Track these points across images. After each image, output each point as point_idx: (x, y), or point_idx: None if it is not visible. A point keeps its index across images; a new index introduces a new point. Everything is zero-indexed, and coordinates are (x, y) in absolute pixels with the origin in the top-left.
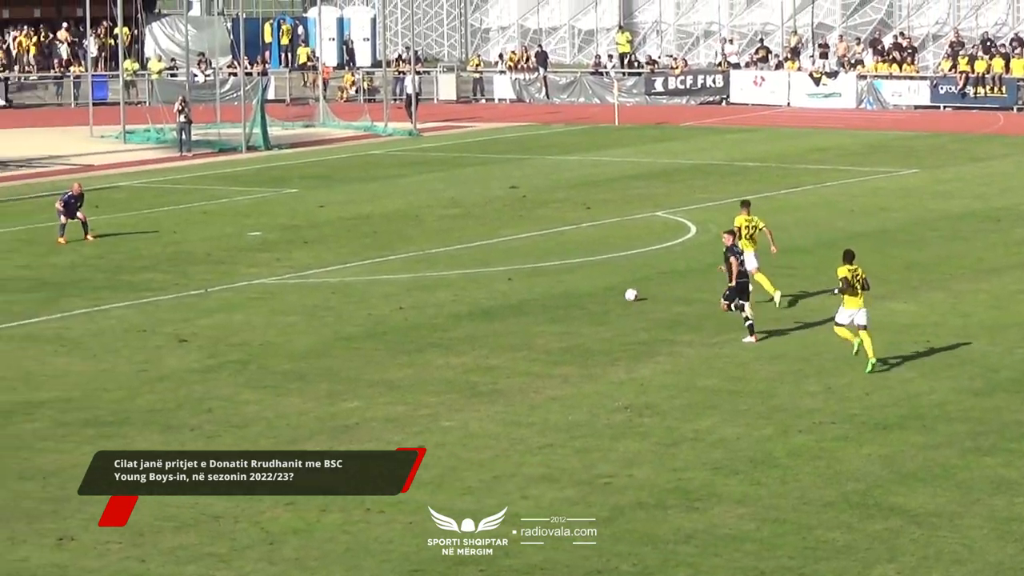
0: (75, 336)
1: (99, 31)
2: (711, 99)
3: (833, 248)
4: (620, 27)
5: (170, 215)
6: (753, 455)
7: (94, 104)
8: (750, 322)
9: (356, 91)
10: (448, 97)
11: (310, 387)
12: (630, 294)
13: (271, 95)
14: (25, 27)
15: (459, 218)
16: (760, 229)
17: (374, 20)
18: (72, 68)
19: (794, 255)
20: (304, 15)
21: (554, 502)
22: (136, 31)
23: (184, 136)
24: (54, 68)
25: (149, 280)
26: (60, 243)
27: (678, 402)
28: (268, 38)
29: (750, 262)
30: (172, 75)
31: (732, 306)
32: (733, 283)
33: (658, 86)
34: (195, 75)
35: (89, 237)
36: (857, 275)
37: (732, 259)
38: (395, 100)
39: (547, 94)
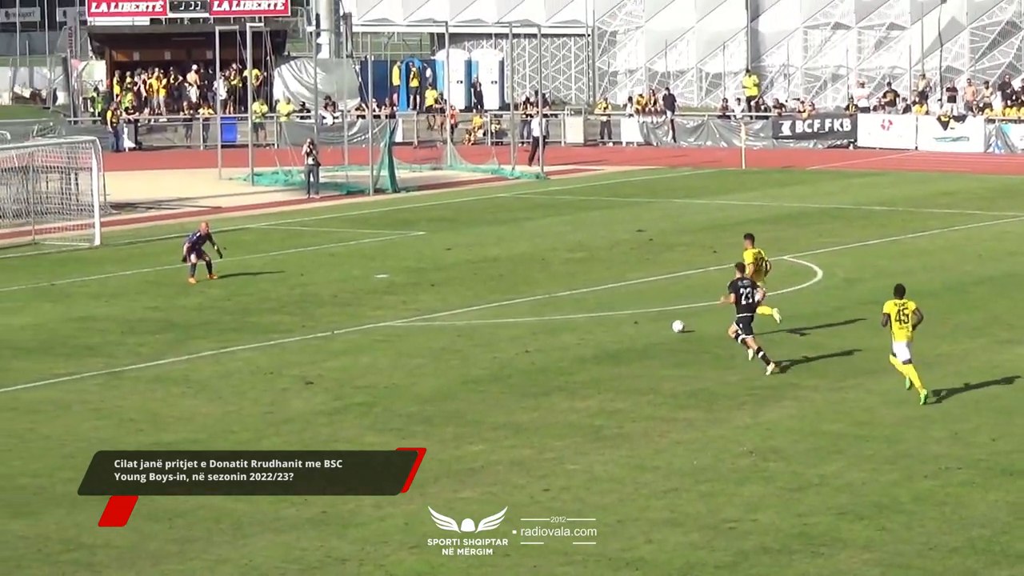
0: (202, 378)
1: (228, 74)
2: (838, 143)
3: (961, 293)
4: (748, 71)
5: (297, 257)
6: (878, 500)
7: (223, 146)
8: (762, 352)
9: (483, 134)
10: (575, 140)
11: (435, 430)
12: (677, 325)
13: (399, 138)
14: (155, 70)
15: (585, 261)
16: (765, 260)
17: (502, 63)
18: (201, 110)
19: (921, 299)
20: (432, 58)
21: (678, 546)
22: (265, 74)
23: (312, 178)
24: (183, 110)
25: (276, 322)
26: (190, 283)
27: (803, 447)
28: (396, 80)
29: (757, 295)
30: (303, 117)
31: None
32: (740, 314)
33: (785, 130)
34: (323, 117)
35: (213, 275)
36: (904, 309)
37: (732, 294)
38: (522, 143)
39: (674, 137)
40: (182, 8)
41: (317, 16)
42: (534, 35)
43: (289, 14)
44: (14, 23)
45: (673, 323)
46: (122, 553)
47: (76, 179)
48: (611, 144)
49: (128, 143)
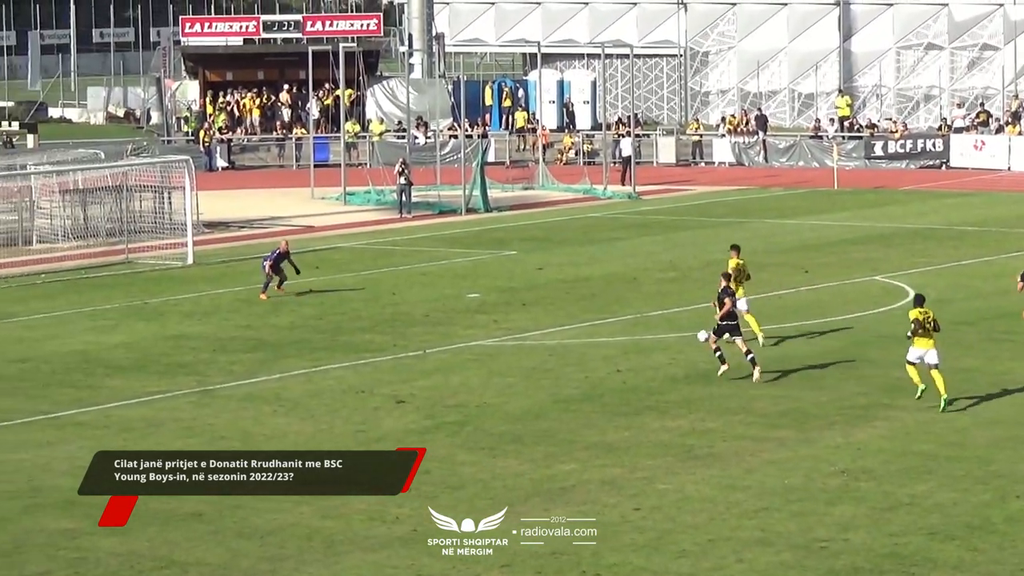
0: (293, 396)
1: (321, 94)
2: (931, 163)
3: None
4: (840, 91)
5: (389, 276)
6: (970, 521)
7: (315, 166)
8: (751, 355)
9: (575, 154)
10: (667, 160)
11: (526, 449)
12: (702, 335)
13: (491, 157)
14: (248, 89)
15: (677, 281)
16: (748, 275)
17: (594, 83)
18: (294, 130)
19: (1013, 320)
20: (525, 78)
21: (769, 566)
22: (358, 93)
23: (404, 198)
24: (276, 130)
25: (367, 341)
26: (262, 298)
27: (894, 467)
28: (489, 100)
29: (741, 304)
30: (400, 137)
31: (722, 341)
32: (723, 321)
33: (878, 150)
34: (416, 137)
35: (282, 289)
36: (928, 318)
37: (727, 300)
38: (614, 163)
39: (766, 158)
40: (275, 29)
41: (410, 36)
42: (626, 55)
43: (382, 34)
44: (109, 43)
45: (698, 333)
46: (214, 571)
47: (169, 198)
48: (703, 164)
49: (221, 162)
